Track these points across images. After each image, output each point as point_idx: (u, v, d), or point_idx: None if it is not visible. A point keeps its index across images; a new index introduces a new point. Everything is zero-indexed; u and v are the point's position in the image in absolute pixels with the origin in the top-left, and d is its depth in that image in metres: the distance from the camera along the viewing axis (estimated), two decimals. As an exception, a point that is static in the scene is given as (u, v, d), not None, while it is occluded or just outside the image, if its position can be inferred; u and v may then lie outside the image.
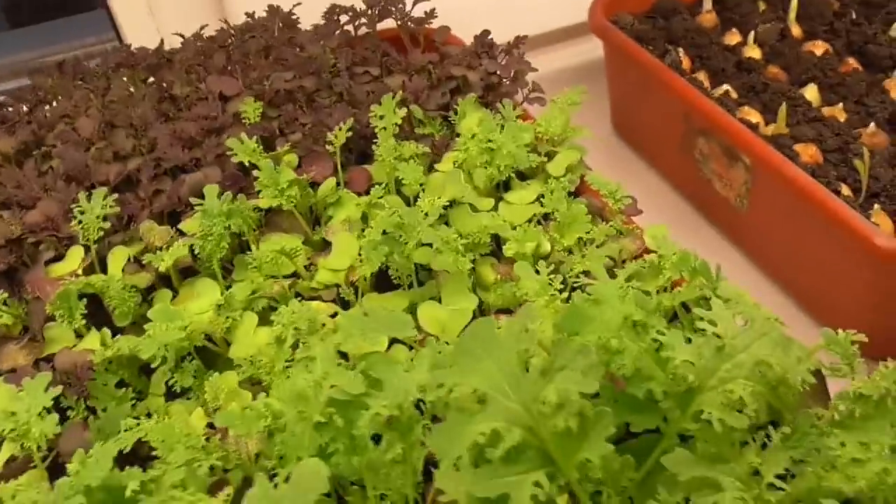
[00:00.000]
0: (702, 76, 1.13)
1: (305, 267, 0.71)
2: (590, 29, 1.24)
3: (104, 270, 0.75)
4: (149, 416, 0.64)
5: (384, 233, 0.67)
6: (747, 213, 1.01)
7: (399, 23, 1.13)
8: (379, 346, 0.46)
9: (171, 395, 0.68)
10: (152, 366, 0.67)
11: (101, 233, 0.73)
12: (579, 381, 0.36)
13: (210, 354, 0.68)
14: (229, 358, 0.67)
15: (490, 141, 0.75)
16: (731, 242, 1.09)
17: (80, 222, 0.73)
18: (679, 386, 0.44)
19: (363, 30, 1.12)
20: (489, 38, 0.97)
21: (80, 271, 0.73)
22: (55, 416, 0.57)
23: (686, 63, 1.16)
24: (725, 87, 1.09)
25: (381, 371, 0.45)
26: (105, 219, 0.73)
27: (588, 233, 0.68)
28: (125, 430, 0.56)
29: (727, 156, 1.01)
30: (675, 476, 0.42)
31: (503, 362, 0.38)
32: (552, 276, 0.60)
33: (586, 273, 0.63)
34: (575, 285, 0.63)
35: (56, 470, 0.61)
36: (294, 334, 0.60)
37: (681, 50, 1.16)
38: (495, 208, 0.75)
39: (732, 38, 1.21)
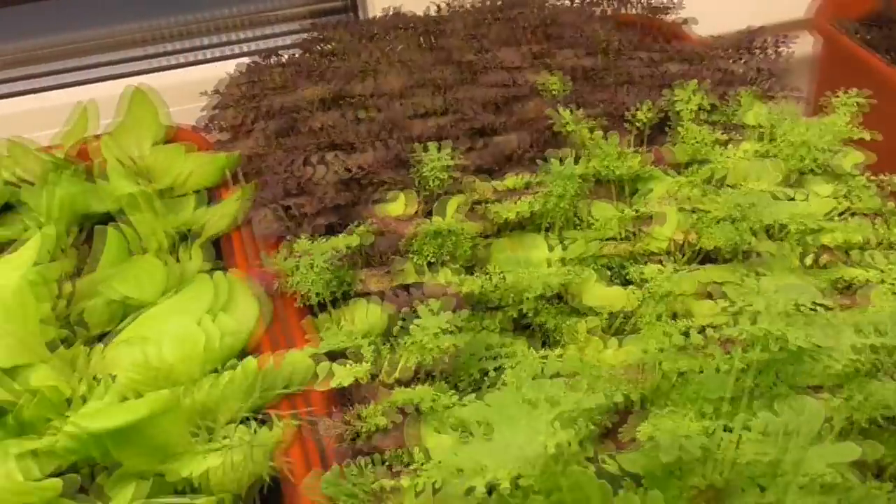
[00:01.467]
0: (928, 89, 1.16)
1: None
2: (814, 29, 1.28)
3: (429, 216, 0.84)
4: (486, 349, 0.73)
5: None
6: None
7: (637, 11, 1.19)
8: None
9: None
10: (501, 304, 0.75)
11: (441, 182, 0.81)
12: None
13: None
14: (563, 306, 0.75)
15: (798, 134, 0.81)
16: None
17: (422, 171, 0.82)
18: None
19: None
20: (754, 34, 1.03)
21: (415, 214, 0.82)
22: (451, 338, 0.66)
23: (911, 75, 1.19)
24: (959, 102, 1.12)
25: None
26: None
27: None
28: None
29: (964, 171, 1.05)
30: None
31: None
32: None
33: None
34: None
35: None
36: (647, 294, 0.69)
37: (907, 61, 1.20)
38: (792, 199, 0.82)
39: (955, 53, 1.24)
